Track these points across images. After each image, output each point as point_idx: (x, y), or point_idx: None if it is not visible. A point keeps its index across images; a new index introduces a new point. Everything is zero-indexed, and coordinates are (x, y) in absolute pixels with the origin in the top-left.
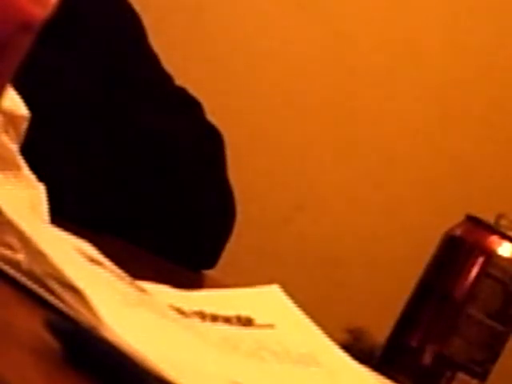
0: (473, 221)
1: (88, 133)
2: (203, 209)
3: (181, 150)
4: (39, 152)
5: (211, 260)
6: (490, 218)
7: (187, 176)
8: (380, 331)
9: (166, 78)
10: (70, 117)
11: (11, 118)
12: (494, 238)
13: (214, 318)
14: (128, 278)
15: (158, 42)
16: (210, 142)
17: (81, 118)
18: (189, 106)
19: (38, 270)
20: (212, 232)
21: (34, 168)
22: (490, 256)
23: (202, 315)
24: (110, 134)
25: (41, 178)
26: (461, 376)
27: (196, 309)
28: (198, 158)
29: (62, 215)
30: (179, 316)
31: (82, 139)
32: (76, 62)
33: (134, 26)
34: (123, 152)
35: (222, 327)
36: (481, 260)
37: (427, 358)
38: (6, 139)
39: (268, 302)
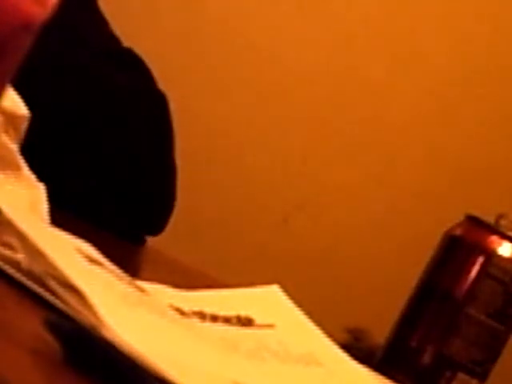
0: (473, 221)
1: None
2: (141, 171)
3: (115, 108)
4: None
5: (155, 225)
6: (490, 218)
7: (120, 136)
8: (380, 331)
9: (112, 38)
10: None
11: (11, 118)
12: (494, 238)
13: (214, 318)
14: (128, 278)
15: (157, 41)
16: (150, 103)
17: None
18: (135, 67)
19: (37, 269)
20: (150, 195)
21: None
22: (490, 256)
23: (201, 315)
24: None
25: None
26: (461, 376)
27: (196, 309)
28: (132, 118)
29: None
30: (179, 316)
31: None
32: None
33: None
34: (68, 101)
35: (222, 327)
36: (481, 260)
37: (427, 358)
38: (6, 139)
39: (268, 302)
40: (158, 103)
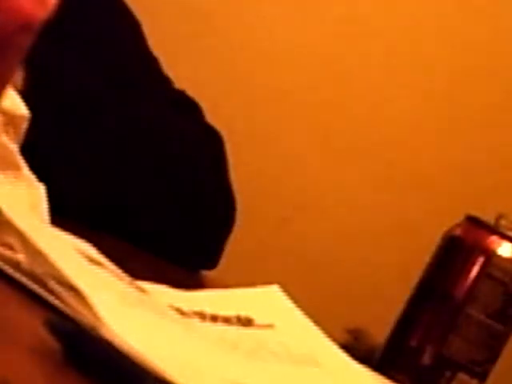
0: (473, 221)
1: (88, 132)
2: (203, 210)
3: (181, 151)
4: (40, 153)
5: (212, 261)
6: (490, 218)
7: (187, 177)
8: (380, 331)
9: (166, 81)
10: (70, 116)
11: (11, 118)
12: (494, 238)
13: (214, 318)
14: (128, 278)
15: (159, 44)
16: (210, 144)
17: (82, 118)
18: (188, 108)
19: (38, 269)
20: (212, 232)
21: (33, 168)
22: (490, 256)
23: (201, 315)
24: (110, 133)
25: (40, 179)
26: (461, 376)
27: (196, 309)
28: (198, 159)
29: (63, 214)
30: (179, 316)
31: (83, 139)
32: (77, 65)
33: (133, 30)
34: (123, 152)
35: (221, 327)
36: (481, 260)
37: (427, 358)
38: (5, 139)
39: (268, 302)
40: (216, 142)
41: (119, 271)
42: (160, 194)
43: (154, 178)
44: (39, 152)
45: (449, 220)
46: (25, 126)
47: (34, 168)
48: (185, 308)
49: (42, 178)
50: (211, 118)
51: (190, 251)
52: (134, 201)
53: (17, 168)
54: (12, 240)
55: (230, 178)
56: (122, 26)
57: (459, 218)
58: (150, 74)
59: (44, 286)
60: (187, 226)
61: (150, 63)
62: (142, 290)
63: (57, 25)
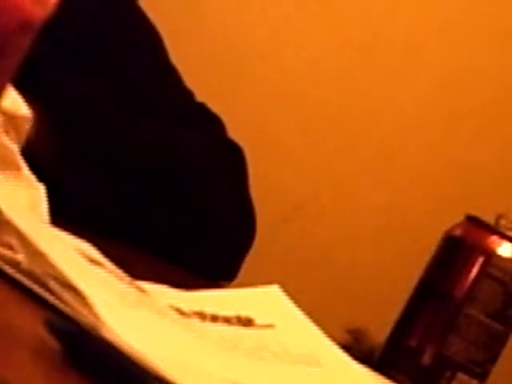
0: (473, 221)
1: (103, 145)
2: (221, 223)
3: (197, 164)
4: (42, 155)
5: (231, 273)
6: (490, 218)
7: (203, 190)
8: (380, 331)
9: (187, 94)
10: (87, 130)
11: (12, 119)
12: (494, 238)
13: (214, 319)
14: (128, 279)
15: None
16: (229, 158)
17: (98, 132)
18: (208, 122)
19: (38, 270)
20: (230, 246)
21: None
22: (490, 256)
23: (201, 315)
24: (126, 146)
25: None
26: (460, 376)
27: (196, 309)
28: (214, 172)
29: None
30: (179, 316)
31: (99, 152)
32: (96, 82)
33: (154, 44)
34: (140, 165)
35: (221, 327)
36: (481, 260)
37: (427, 358)
38: (6, 139)
39: (268, 302)
40: (235, 157)
41: (119, 271)
42: (174, 209)
43: (169, 192)
44: (41, 155)
45: (449, 220)
46: (27, 126)
47: (34, 169)
48: (185, 308)
49: (42, 179)
50: None
51: (206, 263)
52: (149, 215)
53: (17, 168)
54: (12, 240)
55: (249, 191)
56: (143, 42)
57: (459, 218)
58: (164, 87)
59: (44, 286)
60: (202, 239)
61: (166, 76)
62: (142, 290)
63: (78, 47)
